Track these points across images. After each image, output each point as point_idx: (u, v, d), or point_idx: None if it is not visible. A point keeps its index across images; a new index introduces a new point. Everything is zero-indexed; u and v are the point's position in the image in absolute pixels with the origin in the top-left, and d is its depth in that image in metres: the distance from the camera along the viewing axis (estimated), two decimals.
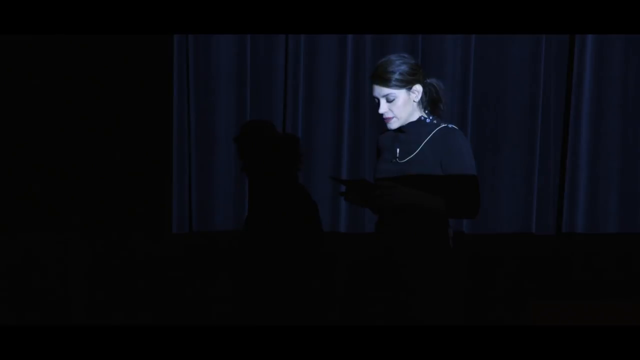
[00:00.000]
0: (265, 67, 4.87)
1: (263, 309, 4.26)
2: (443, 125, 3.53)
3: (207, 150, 4.87)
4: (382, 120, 3.58)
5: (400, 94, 3.52)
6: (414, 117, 3.57)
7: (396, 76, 3.50)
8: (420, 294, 3.48)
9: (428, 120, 3.56)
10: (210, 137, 4.87)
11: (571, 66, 4.89)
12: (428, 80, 3.58)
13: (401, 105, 3.53)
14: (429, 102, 3.59)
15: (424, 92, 3.56)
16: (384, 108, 3.54)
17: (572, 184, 4.90)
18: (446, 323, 3.46)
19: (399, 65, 3.52)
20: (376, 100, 3.55)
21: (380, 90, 3.53)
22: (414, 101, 3.54)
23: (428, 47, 4.79)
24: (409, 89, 3.53)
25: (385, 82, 3.51)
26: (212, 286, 4.85)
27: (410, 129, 3.56)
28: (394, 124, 3.56)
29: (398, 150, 3.57)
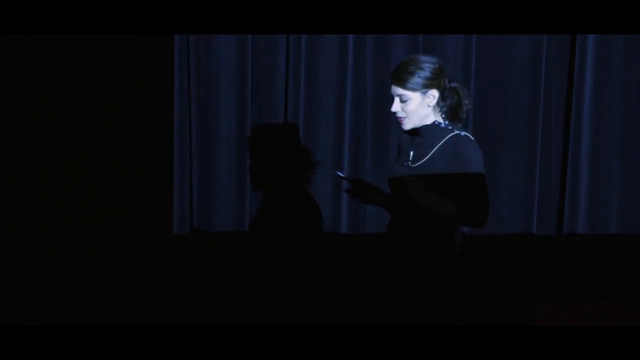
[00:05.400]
0: (266, 68, 4.87)
1: (264, 309, 4.25)
2: (455, 133, 3.47)
3: (207, 150, 4.86)
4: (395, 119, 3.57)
5: (414, 96, 3.47)
6: (429, 121, 3.51)
7: (413, 78, 3.46)
8: (420, 297, 3.46)
9: (443, 126, 3.51)
10: (211, 137, 4.86)
11: (572, 66, 4.88)
12: (452, 85, 3.52)
13: (413, 108, 3.48)
14: (448, 107, 3.53)
15: (443, 97, 3.50)
16: (396, 107, 3.50)
17: (573, 185, 4.90)
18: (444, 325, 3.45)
19: (419, 67, 3.47)
20: (392, 97, 3.52)
21: (395, 89, 3.50)
22: (428, 105, 3.49)
23: (429, 47, 4.78)
24: (424, 93, 3.47)
25: (401, 83, 3.48)
26: (213, 286, 4.85)
27: (425, 133, 3.52)
28: (406, 125, 3.53)
29: (412, 153, 3.54)
